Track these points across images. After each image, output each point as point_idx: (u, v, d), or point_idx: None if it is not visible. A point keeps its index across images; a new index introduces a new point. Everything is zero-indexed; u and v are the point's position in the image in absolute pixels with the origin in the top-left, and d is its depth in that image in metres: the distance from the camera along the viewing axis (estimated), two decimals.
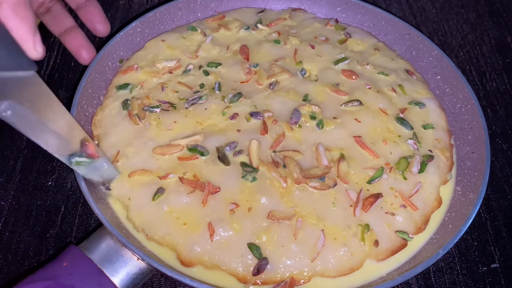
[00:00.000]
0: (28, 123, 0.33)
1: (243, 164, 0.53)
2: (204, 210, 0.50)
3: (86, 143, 0.43)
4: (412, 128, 0.59)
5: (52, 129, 0.37)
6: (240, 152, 0.54)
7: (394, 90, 0.63)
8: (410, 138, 0.58)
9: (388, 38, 0.73)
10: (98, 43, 0.78)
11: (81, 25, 0.67)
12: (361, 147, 0.56)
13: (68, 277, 0.47)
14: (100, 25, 0.66)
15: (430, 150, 0.58)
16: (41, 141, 0.38)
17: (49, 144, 0.39)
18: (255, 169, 0.53)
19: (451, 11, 0.90)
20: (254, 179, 0.52)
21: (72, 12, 0.74)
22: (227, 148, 0.54)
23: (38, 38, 0.37)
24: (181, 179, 0.52)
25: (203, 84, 0.62)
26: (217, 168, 0.53)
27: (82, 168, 0.46)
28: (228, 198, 0.51)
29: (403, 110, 0.60)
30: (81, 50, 0.64)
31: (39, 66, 0.75)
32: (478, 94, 0.76)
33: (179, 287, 0.56)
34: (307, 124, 0.58)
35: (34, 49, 0.36)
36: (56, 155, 0.41)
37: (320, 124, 0.58)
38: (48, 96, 0.35)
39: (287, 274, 0.48)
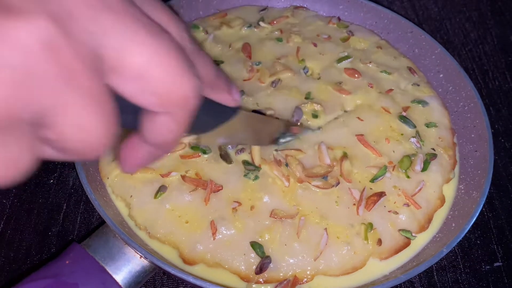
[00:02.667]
0: (239, 138, 0.45)
1: (245, 163, 0.53)
2: (207, 209, 0.50)
3: (291, 127, 0.54)
4: (415, 127, 0.59)
5: (255, 132, 0.49)
6: (242, 150, 0.54)
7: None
8: (413, 137, 0.57)
9: (391, 36, 0.73)
10: None
11: None
12: (364, 146, 0.56)
13: (70, 275, 0.46)
14: None
15: (433, 149, 0.57)
16: (250, 142, 0.53)
17: (262, 142, 0.52)
18: (257, 168, 0.53)
19: (453, 9, 0.90)
20: (256, 177, 0.52)
21: None
22: (230, 146, 0.54)
23: (234, 90, 0.38)
24: (183, 177, 0.52)
25: None
26: (220, 166, 0.53)
27: (288, 143, 0.55)
28: (231, 197, 0.51)
29: (405, 109, 0.60)
30: None
31: None
32: (480, 92, 0.76)
33: (181, 285, 0.56)
34: (309, 122, 0.58)
35: (234, 100, 0.38)
36: (264, 145, 0.54)
37: (322, 123, 0.58)
38: (255, 117, 0.48)
39: (290, 273, 0.48)
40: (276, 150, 0.55)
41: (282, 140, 0.53)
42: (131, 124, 0.30)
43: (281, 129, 0.53)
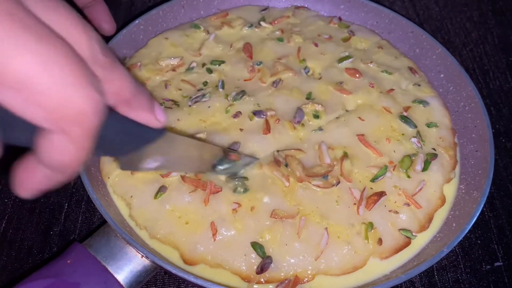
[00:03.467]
0: (170, 164, 0.41)
1: (229, 178, 0.52)
2: (206, 210, 0.50)
3: (229, 153, 0.50)
4: (415, 127, 0.59)
5: (189, 158, 0.45)
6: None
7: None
8: (414, 137, 0.57)
9: (392, 36, 0.73)
10: None
11: None
12: (365, 146, 0.56)
13: (72, 275, 0.47)
14: (106, 24, 0.66)
15: (434, 149, 0.58)
16: (185, 169, 0.49)
17: (192, 168, 0.48)
18: (242, 177, 0.52)
19: (454, 9, 0.90)
20: (245, 190, 0.51)
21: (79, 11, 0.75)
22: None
23: (157, 109, 0.34)
24: (183, 177, 0.52)
25: (206, 82, 0.62)
26: None
27: (227, 171, 0.51)
28: (230, 198, 0.51)
29: (406, 109, 0.60)
30: (102, 23, 0.66)
31: None
32: (481, 92, 0.76)
33: (183, 284, 0.56)
34: (310, 122, 0.58)
35: (157, 121, 0.34)
36: (201, 173, 0.51)
37: (323, 123, 0.58)
38: (176, 139, 0.41)
39: (291, 273, 0.48)
40: (277, 151, 0.55)
41: (220, 168, 0.49)
42: (27, 142, 0.27)
43: (218, 156, 0.48)
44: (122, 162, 0.37)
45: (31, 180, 0.28)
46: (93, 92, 0.25)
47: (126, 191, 0.53)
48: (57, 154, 0.26)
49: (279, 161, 0.53)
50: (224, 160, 0.49)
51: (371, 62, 0.66)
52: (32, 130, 0.25)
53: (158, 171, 0.47)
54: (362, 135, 0.57)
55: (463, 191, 0.57)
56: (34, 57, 0.23)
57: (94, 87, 0.25)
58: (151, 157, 0.37)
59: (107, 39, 0.72)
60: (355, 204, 0.51)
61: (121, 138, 0.33)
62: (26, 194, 0.29)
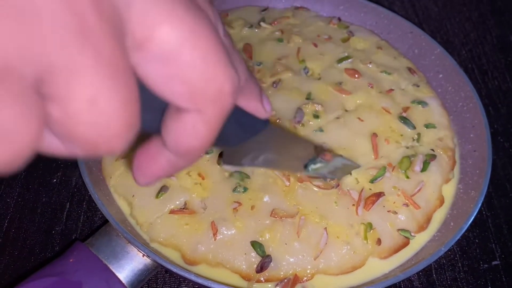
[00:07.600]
0: (267, 160, 0.40)
1: (233, 174, 0.53)
2: (207, 209, 0.51)
3: (323, 152, 0.48)
4: (414, 128, 0.59)
5: (290, 156, 0.44)
6: None
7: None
8: (413, 138, 0.58)
9: (391, 36, 0.73)
10: None
11: None
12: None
13: (74, 273, 0.47)
14: None
15: (432, 149, 0.58)
16: (281, 168, 0.48)
17: (289, 167, 0.47)
18: (242, 174, 0.53)
19: (453, 9, 0.90)
20: (245, 189, 0.52)
21: None
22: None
23: (265, 97, 0.33)
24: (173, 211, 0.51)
25: None
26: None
27: (318, 172, 0.49)
28: (231, 197, 0.51)
29: (406, 109, 0.61)
30: None
31: None
32: (480, 92, 0.76)
33: (183, 283, 0.57)
34: (310, 123, 0.58)
35: (264, 110, 0.33)
36: (296, 172, 0.50)
37: (323, 123, 0.58)
38: (276, 131, 0.40)
39: (290, 271, 0.49)
40: None
41: (312, 167, 0.47)
42: (151, 126, 0.25)
43: (311, 154, 0.47)
44: (226, 155, 0.35)
45: (152, 166, 0.27)
46: (234, 71, 0.24)
47: (127, 191, 0.53)
48: (187, 137, 0.24)
49: None
50: (317, 159, 0.47)
51: (370, 63, 0.66)
52: (159, 111, 0.23)
53: (256, 167, 0.45)
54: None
55: (461, 190, 0.57)
56: (185, 27, 0.21)
57: (233, 65, 0.24)
58: (253, 151, 0.36)
59: None
60: (353, 204, 0.52)
61: (233, 127, 0.30)
62: (145, 181, 0.28)
